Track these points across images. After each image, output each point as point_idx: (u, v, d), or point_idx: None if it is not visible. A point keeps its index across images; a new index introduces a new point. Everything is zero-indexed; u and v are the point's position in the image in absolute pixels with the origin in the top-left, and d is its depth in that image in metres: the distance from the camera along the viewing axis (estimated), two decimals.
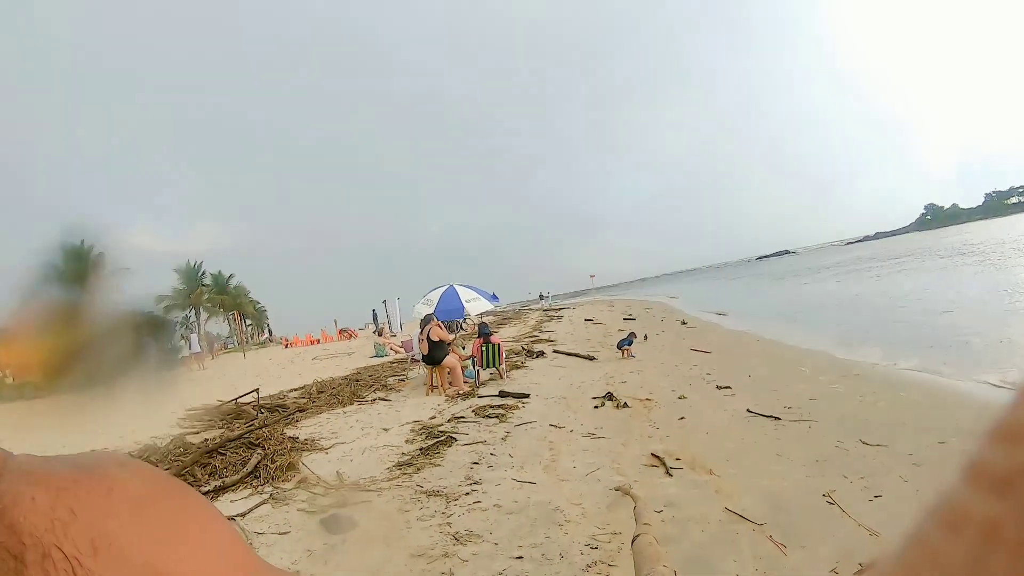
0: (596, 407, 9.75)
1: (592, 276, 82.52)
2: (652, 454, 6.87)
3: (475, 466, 7.26)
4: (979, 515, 0.19)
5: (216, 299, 63.39)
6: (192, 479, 7.93)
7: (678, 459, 6.60)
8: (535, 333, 25.66)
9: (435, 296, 18.16)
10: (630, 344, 15.03)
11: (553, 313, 41.10)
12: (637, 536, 4.52)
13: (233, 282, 67.53)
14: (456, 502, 6.07)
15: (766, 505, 5.10)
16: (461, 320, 24.65)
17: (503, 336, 24.72)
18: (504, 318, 40.21)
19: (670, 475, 6.15)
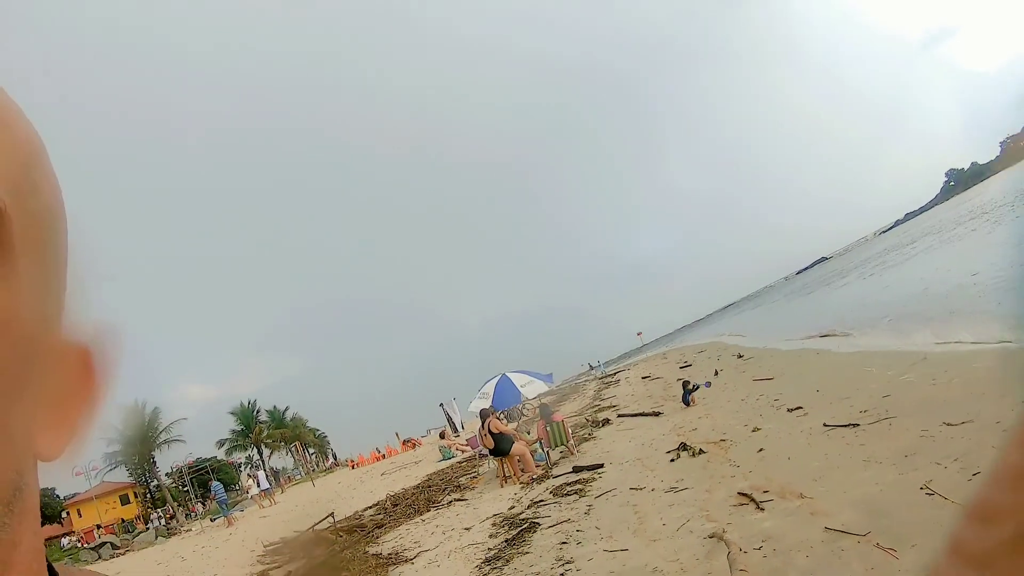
0: (672, 460, 9.52)
1: (639, 334, 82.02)
2: (739, 493, 6.67)
3: (563, 546, 7.10)
4: None
5: (275, 434, 63.70)
6: None
7: (766, 492, 6.39)
8: (596, 402, 25.33)
9: (490, 388, 18.12)
10: (694, 390, 14.71)
11: (609, 379, 40.62)
12: None
13: (289, 414, 67.90)
14: None
15: (865, 514, 4.88)
16: (520, 405, 24.47)
17: (565, 412, 24.40)
18: (562, 395, 39.75)
19: (762, 509, 5.94)
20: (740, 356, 22.35)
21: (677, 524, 6.44)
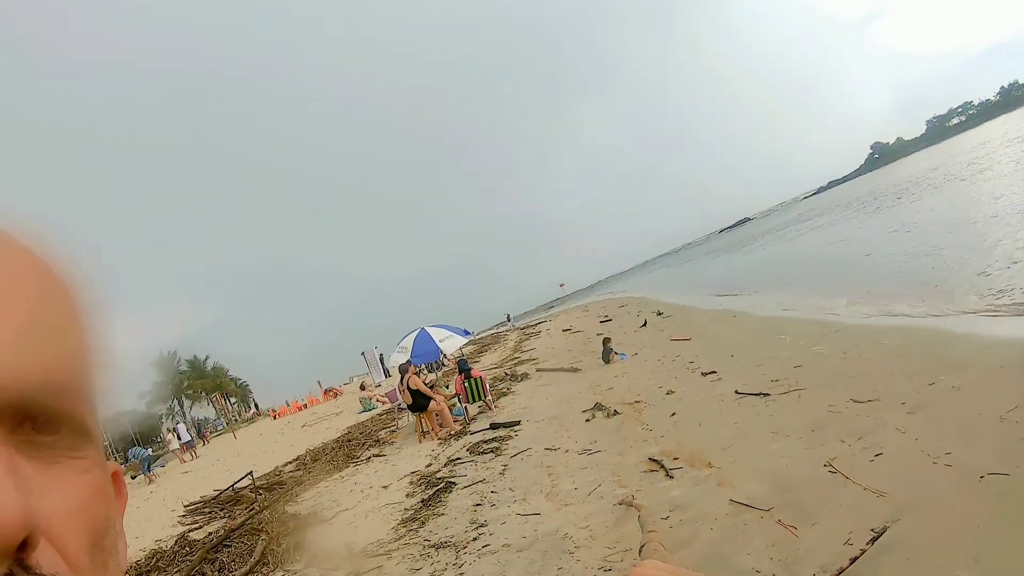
0: (587, 420, 9.64)
1: (562, 285, 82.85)
2: (650, 459, 6.77)
3: (478, 508, 7.12)
4: None
5: (196, 384, 62.34)
6: None
7: (676, 459, 6.51)
8: (516, 354, 25.46)
9: (409, 342, 18.04)
10: (613, 352, 14.79)
11: (531, 330, 40.88)
12: (644, 545, 4.46)
13: (210, 363, 66.39)
14: (465, 550, 5.93)
15: (770, 487, 5.02)
16: (439, 359, 24.41)
17: (485, 364, 24.58)
18: (483, 345, 39.90)
19: (671, 477, 6.05)
20: (660, 313, 22.54)
21: (589, 488, 6.53)
